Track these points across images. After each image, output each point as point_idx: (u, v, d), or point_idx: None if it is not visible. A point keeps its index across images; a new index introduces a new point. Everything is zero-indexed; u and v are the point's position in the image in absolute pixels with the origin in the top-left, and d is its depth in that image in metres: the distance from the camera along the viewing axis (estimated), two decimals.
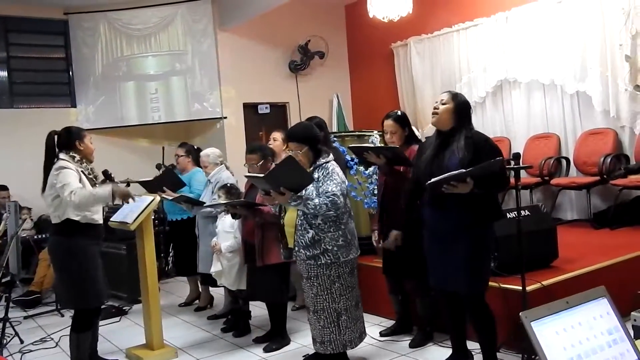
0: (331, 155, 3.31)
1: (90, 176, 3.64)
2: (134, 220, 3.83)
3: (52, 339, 4.56)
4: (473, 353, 3.31)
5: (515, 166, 3.46)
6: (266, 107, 8.47)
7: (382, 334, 4.03)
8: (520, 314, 1.27)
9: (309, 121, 4.39)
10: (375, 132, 4.69)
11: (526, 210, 3.84)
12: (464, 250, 2.93)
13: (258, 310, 4.58)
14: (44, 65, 8.00)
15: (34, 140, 3.76)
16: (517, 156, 3.63)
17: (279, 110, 8.68)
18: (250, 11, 7.55)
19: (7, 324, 4.44)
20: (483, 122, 7.13)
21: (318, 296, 3.21)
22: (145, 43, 8.10)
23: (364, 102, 8.81)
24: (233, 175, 4.87)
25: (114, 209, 4.81)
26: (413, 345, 3.80)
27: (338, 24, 9.06)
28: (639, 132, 5.68)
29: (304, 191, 3.10)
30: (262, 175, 3.22)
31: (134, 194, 3.74)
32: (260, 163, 3.96)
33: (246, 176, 3.59)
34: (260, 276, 3.94)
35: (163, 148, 7.67)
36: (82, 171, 3.58)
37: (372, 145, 3.87)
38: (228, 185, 4.39)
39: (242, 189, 4.42)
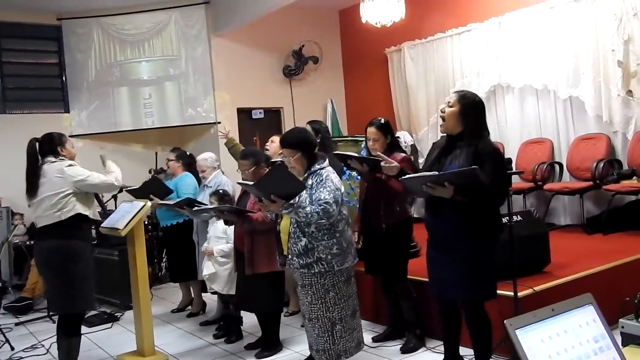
0: (327, 162, 3.23)
1: None
2: (125, 226, 3.81)
3: (43, 345, 4.52)
4: (465, 359, 3.29)
5: (507, 171, 3.47)
6: (260, 112, 8.47)
7: (374, 340, 4.02)
8: (504, 321, 1.26)
9: (311, 124, 4.39)
10: (365, 138, 4.69)
11: (518, 216, 3.84)
12: (461, 259, 2.89)
13: (251, 316, 4.55)
14: (37, 71, 7.99)
15: (26, 146, 3.75)
16: (509, 161, 3.64)
17: (273, 115, 8.67)
18: (244, 16, 7.55)
19: None
20: None
21: (312, 305, 3.16)
22: (138, 48, 8.09)
23: (358, 107, 8.81)
24: (229, 179, 4.86)
25: (105, 214, 4.79)
26: (404, 350, 3.80)
27: (332, 29, 9.07)
28: (631, 137, 5.69)
29: (297, 198, 3.05)
30: (252, 183, 3.19)
31: (126, 200, 3.76)
32: (253, 169, 3.93)
33: (239, 183, 3.57)
34: (250, 285, 3.89)
35: (156, 153, 7.66)
36: None
37: (355, 155, 3.90)
38: (220, 191, 4.38)
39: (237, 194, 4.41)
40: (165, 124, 8.16)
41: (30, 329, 5.11)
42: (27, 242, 6.32)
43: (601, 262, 4.12)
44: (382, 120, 3.86)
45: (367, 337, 4.01)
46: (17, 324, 5.22)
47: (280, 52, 8.52)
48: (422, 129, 7.78)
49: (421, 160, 6.94)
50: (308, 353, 3.47)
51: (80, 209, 3.56)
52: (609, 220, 5.45)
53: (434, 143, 3.48)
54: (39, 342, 4.60)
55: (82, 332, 3.74)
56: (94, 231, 5.49)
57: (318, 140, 4.36)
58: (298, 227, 3.11)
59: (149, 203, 4.05)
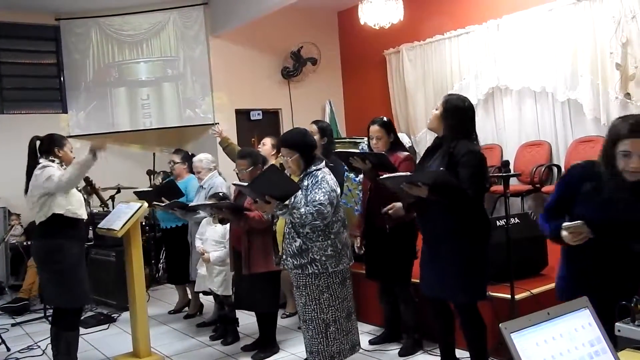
0: (323, 163, 3.23)
1: None
2: (122, 227, 3.80)
3: (39, 346, 4.50)
4: None
5: (503, 173, 3.47)
6: (258, 114, 8.46)
7: (371, 343, 4.01)
8: (500, 325, 1.26)
9: (317, 124, 4.38)
10: (366, 138, 4.67)
11: (516, 218, 3.83)
12: (450, 258, 2.90)
13: (247, 317, 4.55)
14: (34, 71, 7.97)
15: (24, 146, 3.78)
16: (506, 164, 3.64)
17: (271, 116, 8.66)
18: (242, 17, 7.54)
19: None
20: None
21: (306, 306, 3.16)
22: (137, 49, 8.08)
23: (357, 109, 8.81)
24: (225, 181, 4.85)
25: (103, 215, 4.78)
26: (402, 353, 3.79)
27: (330, 30, 9.07)
28: None
29: (292, 198, 3.04)
30: (245, 184, 3.19)
31: (123, 201, 3.75)
32: (250, 169, 3.93)
33: (234, 184, 3.57)
34: (248, 285, 3.90)
35: (154, 154, 7.64)
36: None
37: (357, 151, 3.86)
38: (220, 194, 4.37)
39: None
40: (163, 124, 8.15)
41: (27, 329, 5.09)
42: (24, 243, 6.31)
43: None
44: (385, 119, 3.84)
45: (365, 340, 4.00)
46: (13, 325, 5.21)
47: (278, 54, 8.51)
48: (421, 130, 7.77)
49: None
50: (304, 355, 3.46)
51: (56, 209, 3.57)
52: None
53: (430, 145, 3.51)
54: (35, 343, 4.59)
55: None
56: (91, 232, 5.52)
57: (325, 141, 4.38)
58: (293, 228, 3.11)
59: (146, 204, 4.04)
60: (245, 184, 3.25)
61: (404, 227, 3.69)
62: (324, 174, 3.13)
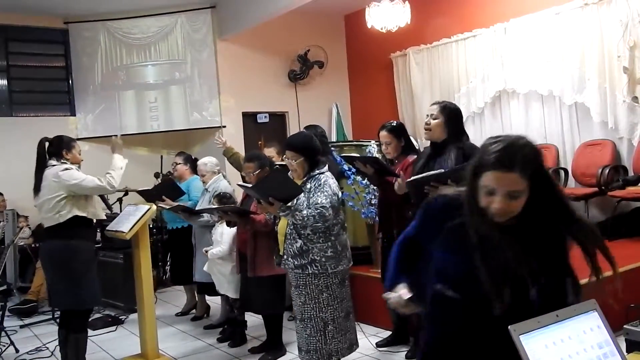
0: (326, 167, 3.28)
1: None
2: (130, 229, 3.82)
3: (48, 348, 4.53)
4: None
5: None
6: (265, 117, 8.48)
7: (378, 345, 4.02)
8: (509, 327, 1.27)
9: (308, 129, 4.41)
10: (373, 141, 4.69)
11: None
12: None
13: (254, 320, 4.56)
14: (43, 74, 8.02)
15: (32, 149, 3.80)
16: None
17: (278, 119, 8.68)
18: (249, 21, 7.57)
19: (3, 333, 4.43)
20: (482, 132, 7.12)
21: (305, 305, 3.21)
22: (144, 52, 8.12)
23: (363, 112, 8.82)
24: (230, 184, 4.87)
25: (111, 217, 4.81)
26: (409, 356, 3.79)
27: (337, 33, 9.09)
28: (637, 143, 5.68)
29: (295, 201, 3.10)
30: (249, 185, 3.25)
31: (131, 203, 3.78)
32: (257, 172, 3.95)
33: (238, 185, 3.62)
34: (254, 287, 3.92)
35: (162, 157, 7.68)
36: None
37: (358, 155, 3.88)
38: (222, 194, 4.40)
39: (240, 198, 4.41)
40: (170, 127, 8.18)
41: (35, 331, 5.12)
42: (32, 245, 6.35)
43: (606, 268, 4.09)
44: (395, 123, 3.85)
45: (373, 342, 4.01)
46: (21, 327, 5.25)
47: (285, 57, 8.54)
48: None
49: None
50: None
51: (77, 211, 3.61)
52: (615, 227, 5.43)
53: (418, 154, 3.56)
54: (44, 345, 4.61)
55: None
56: (98, 234, 5.54)
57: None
58: (294, 229, 3.17)
59: (154, 207, 4.07)
60: (250, 185, 3.30)
61: None
62: (327, 178, 3.20)
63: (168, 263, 6.55)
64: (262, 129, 8.36)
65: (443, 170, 2.82)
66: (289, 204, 3.08)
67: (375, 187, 4.09)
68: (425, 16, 7.32)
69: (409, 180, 3.01)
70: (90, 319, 4.11)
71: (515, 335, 1.26)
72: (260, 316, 4.23)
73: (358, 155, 3.95)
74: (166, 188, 4.92)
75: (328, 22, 8.87)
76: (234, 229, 4.15)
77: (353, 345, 3.38)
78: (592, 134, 6.08)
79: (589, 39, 5.92)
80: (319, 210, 3.04)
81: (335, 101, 8.81)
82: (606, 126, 5.87)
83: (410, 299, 1.74)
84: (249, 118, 8.36)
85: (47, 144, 3.75)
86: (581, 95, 6.04)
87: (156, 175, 7.22)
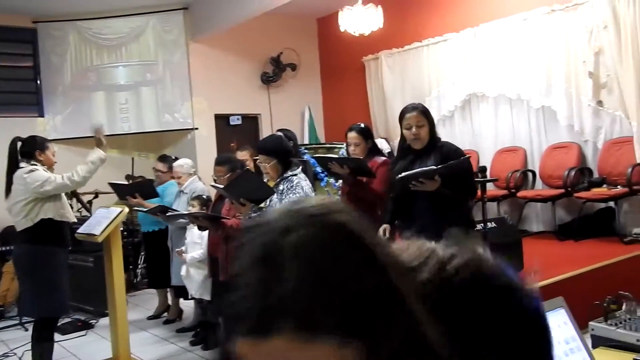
0: (299, 168, 3.30)
1: None
2: (102, 232, 3.78)
3: (15, 354, 4.44)
4: None
5: (481, 179, 3.55)
6: (238, 119, 8.47)
7: None
8: None
9: (283, 132, 4.43)
10: (345, 144, 4.73)
11: (492, 222, 3.91)
12: None
13: None
14: (11, 74, 7.84)
15: None
16: (483, 169, 3.72)
17: (251, 121, 8.68)
18: (222, 23, 7.56)
19: None
20: (452, 135, 7.22)
21: None
22: (115, 53, 8.03)
23: (336, 114, 8.86)
24: (205, 185, 4.85)
25: (81, 220, 4.75)
26: None
27: (310, 36, 9.12)
28: (601, 146, 5.84)
29: (268, 202, 3.11)
30: (222, 186, 3.25)
31: (102, 206, 3.73)
32: (228, 175, 3.94)
33: (212, 186, 3.62)
34: (225, 290, 3.90)
35: (133, 159, 7.60)
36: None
37: (336, 156, 3.91)
38: (204, 197, 4.38)
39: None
40: (141, 129, 8.10)
41: (2, 337, 5.02)
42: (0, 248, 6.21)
43: (573, 267, 4.22)
44: (363, 125, 3.89)
45: None
46: None
47: (258, 59, 8.54)
48: (399, 136, 7.84)
49: None
50: None
51: (45, 214, 3.54)
52: (580, 227, 5.58)
53: (392, 157, 3.69)
54: (11, 351, 4.52)
55: (55, 340, 3.72)
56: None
57: (290, 145, 4.42)
58: None
59: (126, 209, 4.03)
60: (220, 186, 3.32)
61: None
62: (299, 180, 3.21)
63: (139, 266, 6.49)
64: (234, 131, 8.34)
65: (434, 167, 2.93)
66: (261, 205, 3.08)
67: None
68: (398, 20, 7.41)
69: (400, 176, 3.06)
70: (59, 324, 4.05)
71: None
72: None
73: (333, 156, 3.96)
74: (142, 187, 4.88)
75: (301, 25, 8.90)
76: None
77: None
78: (559, 137, 6.23)
79: (556, 44, 6.07)
80: None
81: (307, 104, 8.84)
82: (572, 129, 6.03)
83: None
84: (221, 120, 8.34)
85: (19, 143, 3.66)
86: (548, 99, 6.18)
87: (127, 178, 7.14)
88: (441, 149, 3.08)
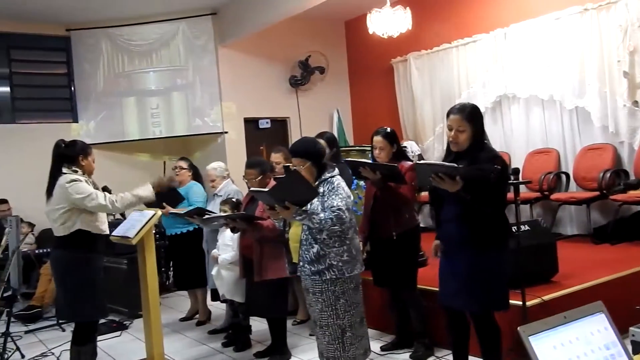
0: (336, 170, 3.26)
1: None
2: (136, 235, 3.84)
3: (53, 353, 4.55)
4: None
5: (514, 181, 3.49)
6: (267, 122, 8.52)
7: (382, 349, 4.03)
8: (518, 328, 1.29)
9: (320, 137, 4.41)
10: (371, 147, 4.71)
11: (526, 225, 3.86)
12: (464, 268, 2.93)
13: (259, 324, 4.58)
14: (46, 81, 8.07)
15: (35, 155, 3.79)
16: (516, 171, 3.66)
17: (280, 125, 8.72)
18: (250, 27, 7.62)
19: (9, 339, 4.45)
20: None
21: (323, 312, 3.17)
22: (146, 59, 8.17)
23: (364, 117, 8.86)
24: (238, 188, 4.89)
25: (114, 224, 4.83)
26: (413, 359, 3.81)
27: (338, 39, 9.14)
28: (637, 147, 5.71)
29: (309, 205, 3.08)
30: (266, 189, 3.23)
31: (136, 209, 3.77)
32: (259, 178, 3.97)
33: (251, 191, 3.60)
34: (258, 291, 3.94)
35: (164, 162, 7.70)
36: (91, 182, 3.65)
37: (369, 162, 3.90)
38: (234, 200, 4.41)
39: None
40: (172, 133, 8.22)
41: (40, 337, 5.14)
42: (36, 251, 6.36)
43: (609, 271, 4.13)
44: (388, 129, 3.88)
45: (376, 346, 4.02)
46: (26, 332, 5.26)
47: (286, 63, 8.58)
48: (428, 138, 7.81)
49: None
50: None
51: (82, 225, 3.54)
52: (616, 230, 5.46)
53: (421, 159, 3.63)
54: (49, 350, 4.64)
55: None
56: None
57: (334, 151, 4.42)
58: (310, 234, 3.13)
59: (159, 212, 4.07)
60: (264, 189, 3.28)
61: (409, 233, 3.78)
62: (339, 181, 3.17)
63: (170, 269, 6.57)
64: (263, 134, 8.40)
65: (454, 165, 2.77)
66: (305, 207, 3.04)
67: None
68: (426, 22, 7.37)
69: (419, 162, 3.00)
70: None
71: (525, 336, 1.28)
72: (265, 321, 4.24)
73: (366, 161, 3.96)
74: (167, 195, 4.92)
75: (329, 28, 8.92)
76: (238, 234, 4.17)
77: (367, 351, 3.33)
78: (593, 138, 6.11)
79: (589, 43, 5.96)
80: (336, 213, 3.00)
81: (336, 107, 8.85)
82: (607, 130, 5.91)
83: None
84: (250, 124, 8.40)
85: (63, 145, 3.67)
86: (582, 99, 6.07)
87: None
88: (478, 154, 2.91)
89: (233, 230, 4.11)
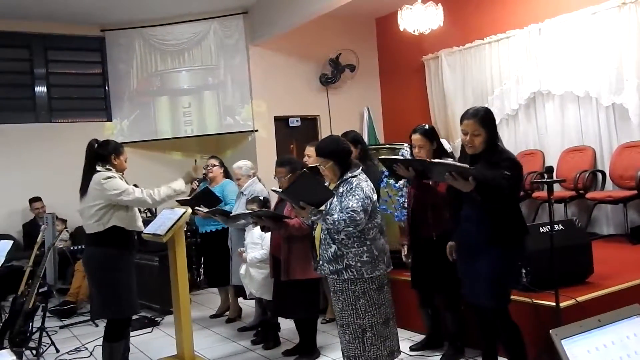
0: (358, 170, 3.22)
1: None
2: (167, 232, 3.88)
3: (87, 348, 4.64)
4: None
5: (547, 179, 3.42)
6: (297, 120, 8.53)
7: (412, 349, 3.99)
8: (550, 331, 1.25)
9: (344, 136, 4.37)
10: (406, 144, 4.65)
11: (560, 225, 3.77)
12: (484, 267, 2.94)
13: (288, 322, 4.58)
14: (81, 81, 8.23)
15: (70, 154, 3.87)
16: (550, 170, 3.58)
17: (310, 123, 8.72)
18: (281, 26, 7.63)
19: (44, 333, 4.55)
20: (516, 135, 7.06)
21: (343, 311, 3.17)
22: (178, 58, 8.27)
23: (395, 115, 8.80)
24: (265, 187, 4.90)
25: (146, 221, 4.90)
26: None
27: (369, 37, 9.09)
28: None
29: (328, 205, 3.07)
30: (281, 190, 3.24)
31: (169, 206, 3.81)
32: (289, 176, 3.96)
33: (272, 190, 3.62)
34: (287, 291, 3.93)
35: (195, 161, 7.75)
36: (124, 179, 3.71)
37: (401, 158, 3.82)
38: (260, 198, 4.42)
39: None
40: (203, 132, 8.31)
41: (74, 332, 5.25)
42: (71, 247, 6.50)
43: None
44: (427, 127, 3.78)
45: (405, 346, 3.99)
46: (61, 327, 5.38)
47: (317, 61, 8.58)
48: (459, 137, 7.70)
49: None
50: None
51: (117, 222, 3.59)
52: None
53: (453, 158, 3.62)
54: (83, 345, 4.73)
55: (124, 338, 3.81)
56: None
57: (359, 149, 4.38)
58: (328, 234, 3.14)
59: (190, 210, 4.12)
60: (280, 190, 3.30)
61: (450, 233, 3.67)
62: (359, 181, 3.13)
63: (202, 266, 6.64)
64: (294, 133, 8.42)
65: (466, 166, 2.80)
66: (321, 207, 3.04)
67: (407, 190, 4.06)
68: (458, 18, 7.27)
69: (431, 160, 2.99)
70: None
71: (557, 339, 1.24)
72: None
73: (399, 157, 3.88)
74: (204, 197, 4.95)
75: (359, 25, 8.88)
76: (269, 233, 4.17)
77: (394, 352, 3.30)
78: (630, 136, 5.95)
79: (627, 38, 5.80)
80: (349, 215, 2.98)
81: (366, 104, 8.81)
82: None
83: None
84: (280, 122, 8.42)
85: (96, 145, 3.74)
86: (619, 96, 5.91)
87: (191, 183, 7.29)
88: (492, 156, 2.93)
89: (263, 229, 4.12)
